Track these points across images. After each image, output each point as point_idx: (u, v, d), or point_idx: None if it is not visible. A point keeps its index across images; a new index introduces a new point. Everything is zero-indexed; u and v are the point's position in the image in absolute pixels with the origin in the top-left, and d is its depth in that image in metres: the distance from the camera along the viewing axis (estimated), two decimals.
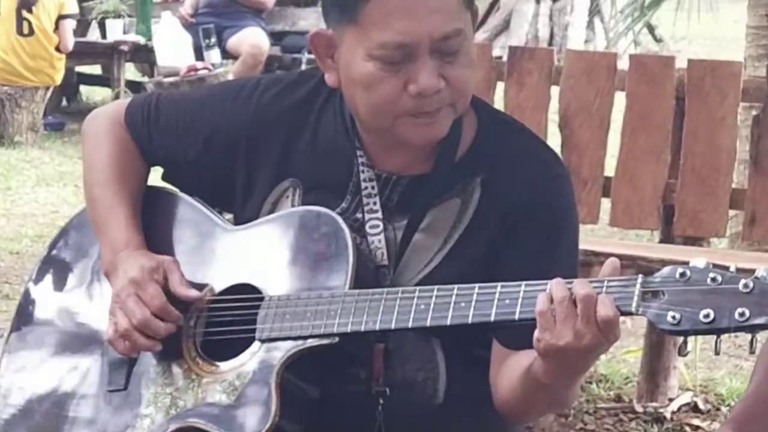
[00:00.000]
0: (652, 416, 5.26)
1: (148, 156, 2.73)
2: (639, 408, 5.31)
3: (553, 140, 4.88)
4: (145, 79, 11.20)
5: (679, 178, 5.32)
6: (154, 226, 2.68)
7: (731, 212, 5.43)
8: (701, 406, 5.37)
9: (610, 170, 5.43)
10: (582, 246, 2.62)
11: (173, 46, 10.58)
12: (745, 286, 2.13)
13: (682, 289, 2.17)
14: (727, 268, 2.18)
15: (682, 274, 2.17)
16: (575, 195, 2.67)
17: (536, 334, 2.22)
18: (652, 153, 5.37)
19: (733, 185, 5.37)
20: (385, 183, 2.55)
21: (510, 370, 2.42)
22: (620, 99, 5.44)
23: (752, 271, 2.17)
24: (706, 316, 2.14)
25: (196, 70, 10.43)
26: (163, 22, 10.75)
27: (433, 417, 2.53)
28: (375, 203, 2.54)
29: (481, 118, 2.59)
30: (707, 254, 4.62)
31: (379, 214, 2.53)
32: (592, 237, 5.97)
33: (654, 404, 5.32)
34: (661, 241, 5.45)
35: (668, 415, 5.26)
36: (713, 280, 2.16)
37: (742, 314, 2.12)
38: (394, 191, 2.55)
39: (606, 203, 5.44)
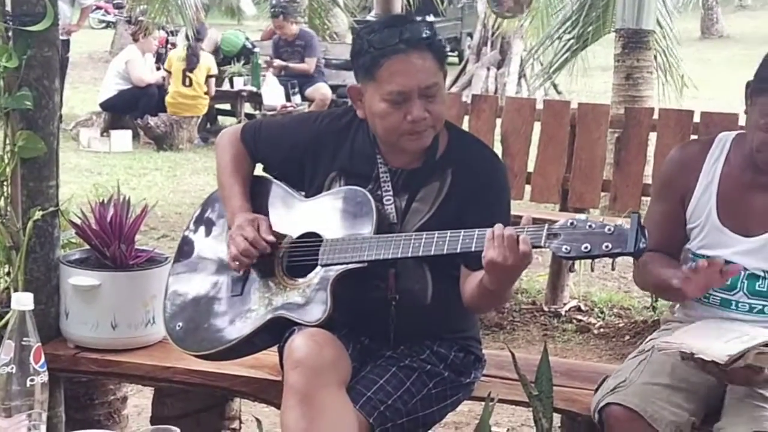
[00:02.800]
0: (553, 313, 5.25)
1: (254, 157, 2.71)
2: (546, 308, 5.30)
3: (497, 149, 4.83)
4: (256, 112, 11.14)
5: (571, 173, 5.29)
6: (258, 198, 2.65)
7: (602, 194, 5.39)
8: (582, 308, 5.36)
9: (531, 167, 5.39)
10: (513, 212, 2.58)
11: (273, 93, 10.57)
12: (609, 229, 2.12)
13: (571, 232, 2.14)
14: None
15: (572, 223, 2.15)
16: (509, 181, 2.65)
17: (484, 253, 2.21)
18: (556, 158, 5.33)
19: (604, 178, 5.34)
20: (394, 174, 2.52)
21: (470, 283, 2.40)
22: (537, 126, 5.40)
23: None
24: (586, 248, 2.12)
25: (286, 107, 10.42)
26: (267, 79, 10.72)
27: (424, 312, 2.51)
28: (388, 186, 2.51)
29: (451, 134, 2.56)
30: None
31: (391, 192, 2.50)
32: (518, 207, 5.91)
33: (555, 306, 5.31)
34: (560, 210, 5.42)
35: (563, 313, 5.26)
36: (590, 226, 2.13)
37: (607, 246, 2.10)
38: (399, 178, 2.52)
39: (528, 188, 5.41)
